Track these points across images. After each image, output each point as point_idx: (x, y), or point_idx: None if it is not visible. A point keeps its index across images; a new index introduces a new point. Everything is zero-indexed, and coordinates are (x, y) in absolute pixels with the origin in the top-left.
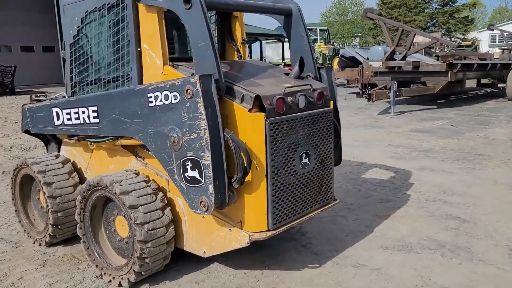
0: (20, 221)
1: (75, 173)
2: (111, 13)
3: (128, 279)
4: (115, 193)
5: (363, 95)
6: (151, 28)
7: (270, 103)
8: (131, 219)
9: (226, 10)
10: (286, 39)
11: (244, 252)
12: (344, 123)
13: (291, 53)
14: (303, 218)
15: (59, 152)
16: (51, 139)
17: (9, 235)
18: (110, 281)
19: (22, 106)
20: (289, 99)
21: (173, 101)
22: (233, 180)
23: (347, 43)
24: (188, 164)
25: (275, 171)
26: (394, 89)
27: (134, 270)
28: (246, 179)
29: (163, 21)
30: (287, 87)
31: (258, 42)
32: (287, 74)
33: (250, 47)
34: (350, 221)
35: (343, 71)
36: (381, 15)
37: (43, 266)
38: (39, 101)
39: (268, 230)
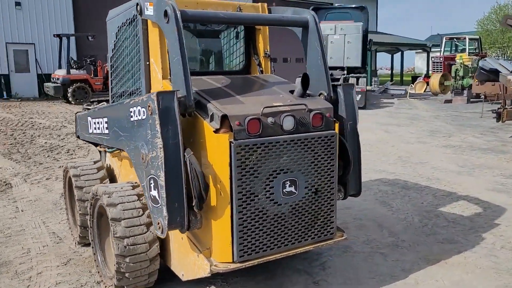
0: (67, 219)
1: (108, 179)
2: (129, 28)
3: None
4: (104, 203)
5: (493, 114)
6: (155, 43)
7: (240, 124)
8: (112, 231)
9: (220, 23)
10: (432, 49)
11: (247, 277)
12: (461, 144)
13: (307, 69)
14: (286, 252)
15: (105, 158)
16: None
17: (61, 230)
18: None
19: (76, 113)
20: (269, 120)
21: (142, 117)
22: (192, 204)
23: (508, 54)
24: (151, 183)
25: (243, 198)
26: None
27: (114, 284)
28: (212, 204)
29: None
30: (267, 107)
31: (400, 53)
32: (292, 92)
33: (392, 57)
34: (388, 261)
35: (483, 85)
36: None
37: (65, 264)
38: (88, 109)
39: (233, 262)
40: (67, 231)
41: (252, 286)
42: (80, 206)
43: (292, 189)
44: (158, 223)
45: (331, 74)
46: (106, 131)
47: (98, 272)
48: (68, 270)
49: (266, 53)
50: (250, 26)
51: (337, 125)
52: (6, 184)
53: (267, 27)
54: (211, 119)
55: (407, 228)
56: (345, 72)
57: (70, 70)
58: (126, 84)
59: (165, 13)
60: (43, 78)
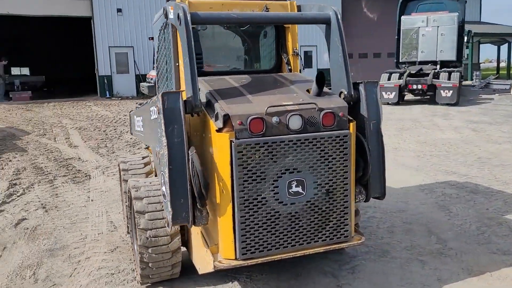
0: (123, 210)
1: (154, 174)
2: (165, 31)
3: (138, 279)
4: (132, 197)
5: None
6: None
7: (242, 123)
8: (136, 223)
9: (233, 24)
10: None
11: (271, 275)
12: None
13: (330, 66)
14: (293, 253)
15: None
16: None
17: (118, 220)
18: (135, 277)
19: (129, 112)
20: (274, 119)
21: (155, 116)
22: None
23: None
24: (162, 179)
25: (245, 197)
26: None
27: (139, 273)
28: (216, 201)
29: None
30: (271, 106)
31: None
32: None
33: (498, 49)
34: (425, 269)
35: None
36: None
37: (112, 251)
38: (137, 107)
39: (236, 259)
40: (122, 221)
41: (274, 285)
42: (124, 198)
43: (299, 189)
44: (165, 218)
45: (421, 69)
46: (142, 129)
47: (134, 260)
48: (112, 257)
49: (294, 51)
50: (279, 26)
51: (352, 124)
52: (86, 176)
53: (296, 25)
54: (216, 119)
55: (459, 235)
56: (438, 66)
57: None
58: (166, 85)
59: (178, 16)
60: (140, 78)
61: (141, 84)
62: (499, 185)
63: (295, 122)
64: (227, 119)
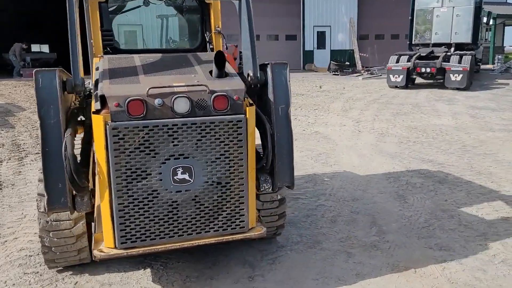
0: None
1: None
2: None
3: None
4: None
5: None
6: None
7: (118, 105)
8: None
9: None
10: None
11: (189, 263)
12: None
13: (242, 46)
14: (180, 243)
15: None
16: None
17: None
18: None
19: None
20: (157, 101)
21: None
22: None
23: None
24: None
25: (123, 183)
26: None
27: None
28: (97, 187)
29: None
30: (153, 88)
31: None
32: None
33: (503, 31)
34: (349, 262)
35: None
36: None
37: None
38: None
39: (115, 248)
40: None
41: (186, 273)
42: None
43: (186, 176)
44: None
45: (432, 52)
46: None
47: None
48: None
49: (216, 29)
50: (202, 2)
51: (250, 109)
52: None
53: (218, 1)
54: (96, 100)
55: (402, 227)
56: (452, 49)
57: None
58: None
59: None
60: None
61: None
62: (471, 175)
63: (181, 105)
64: (104, 100)
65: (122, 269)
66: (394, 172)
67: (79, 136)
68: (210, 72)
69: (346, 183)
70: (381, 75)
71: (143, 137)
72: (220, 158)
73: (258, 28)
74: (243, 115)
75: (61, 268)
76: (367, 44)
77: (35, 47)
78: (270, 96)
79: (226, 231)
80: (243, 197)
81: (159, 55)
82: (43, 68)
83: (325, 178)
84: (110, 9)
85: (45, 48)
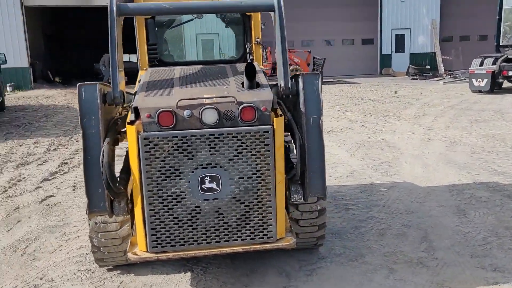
0: None
1: None
2: None
3: None
4: None
5: None
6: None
7: (150, 116)
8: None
9: (164, 14)
10: None
11: (227, 269)
12: None
13: (276, 56)
14: (208, 250)
15: None
16: None
17: None
18: None
19: None
20: (186, 112)
21: None
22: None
23: None
24: None
25: (153, 190)
26: None
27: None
28: (133, 193)
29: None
30: (182, 100)
31: None
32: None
33: None
34: (389, 278)
35: None
36: None
37: None
38: None
39: (147, 251)
40: None
41: (226, 278)
42: None
43: (213, 185)
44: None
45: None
46: None
47: None
48: None
49: (256, 40)
50: (244, 14)
51: (277, 120)
52: None
53: (258, 13)
54: (131, 111)
55: (456, 244)
56: None
57: None
58: None
59: (108, 8)
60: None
61: None
62: None
63: (209, 116)
64: (137, 111)
65: (165, 271)
66: (459, 184)
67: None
68: (243, 83)
69: (403, 194)
70: (465, 79)
71: (173, 147)
72: (247, 168)
73: (333, 32)
74: (270, 126)
75: (110, 267)
76: (450, 46)
77: (124, 57)
78: (302, 106)
79: (253, 240)
80: (270, 207)
81: (199, 67)
82: (85, 82)
83: (382, 188)
84: (163, 23)
85: (133, 58)
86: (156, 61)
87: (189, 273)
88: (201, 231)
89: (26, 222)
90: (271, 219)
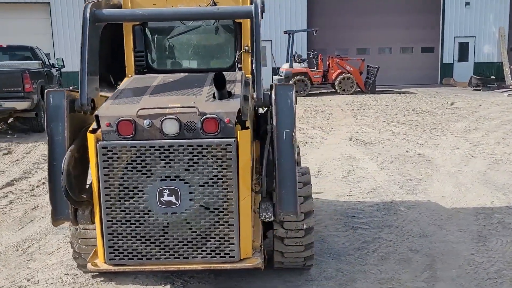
0: None
1: None
2: None
3: None
4: None
5: None
6: None
7: (110, 125)
8: None
9: (140, 21)
10: None
11: (211, 285)
12: None
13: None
14: (167, 266)
15: None
16: None
17: None
18: None
19: None
20: (145, 122)
21: None
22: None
23: None
24: None
25: (111, 201)
26: None
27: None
28: (93, 202)
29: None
30: (143, 109)
31: None
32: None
33: None
34: None
35: None
36: None
37: None
38: None
39: (105, 263)
40: None
41: None
42: None
43: (172, 199)
44: None
45: None
46: None
47: None
48: None
49: (245, 48)
50: (233, 21)
51: (242, 132)
52: None
53: (247, 20)
54: (95, 119)
55: (463, 276)
56: None
57: (293, 64)
58: None
59: (83, 15)
60: (276, 71)
61: (274, 77)
62: None
63: (169, 127)
64: (98, 120)
65: (146, 282)
66: (489, 208)
67: None
68: (214, 94)
69: (422, 215)
70: None
71: (131, 157)
72: (208, 182)
73: (390, 40)
74: (233, 139)
75: (96, 273)
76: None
77: None
78: (274, 119)
79: (214, 258)
80: (232, 224)
81: (182, 75)
82: (53, 89)
83: (402, 207)
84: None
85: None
86: (144, 68)
87: (168, 286)
88: (159, 245)
89: (38, 221)
90: (233, 237)
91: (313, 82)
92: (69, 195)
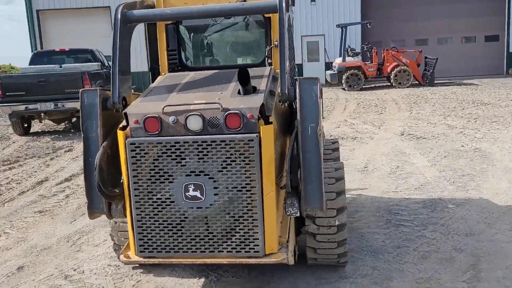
0: None
1: None
2: None
3: None
4: None
5: None
6: None
7: (137, 122)
8: None
9: (167, 20)
10: None
11: (242, 279)
12: None
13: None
14: (194, 259)
15: None
16: None
17: None
18: None
19: None
20: (171, 119)
21: None
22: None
23: None
24: None
25: (140, 195)
26: None
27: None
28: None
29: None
30: (168, 106)
31: None
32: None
33: None
34: None
35: None
36: None
37: None
38: None
39: (136, 255)
40: None
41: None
42: None
43: (197, 194)
44: None
45: None
46: None
47: None
48: None
49: (275, 43)
50: (265, 16)
51: (265, 127)
52: None
53: (276, 14)
54: (124, 117)
55: (509, 277)
56: None
57: (346, 57)
58: None
59: (114, 16)
60: (329, 66)
61: (326, 72)
62: None
63: (193, 123)
64: (126, 117)
65: (181, 275)
66: None
67: None
68: (239, 90)
69: (472, 213)
70: None
71: (157, 153)
72: (232, 177)
73: (450, 30)
74: (255, 134)
75: (136, 265)
76: None
77: None
78: (298, 113)
79: (239, 253)
80: (257, 219)
81: (212, 72)
82: (88, 88)
83: (450, 204)
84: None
85: None
86: (178, 66)
87: (203, 279)
88: (186, 239)
89: None
90: (257, 232)
91: (367, 75)
92: (102, 190)
